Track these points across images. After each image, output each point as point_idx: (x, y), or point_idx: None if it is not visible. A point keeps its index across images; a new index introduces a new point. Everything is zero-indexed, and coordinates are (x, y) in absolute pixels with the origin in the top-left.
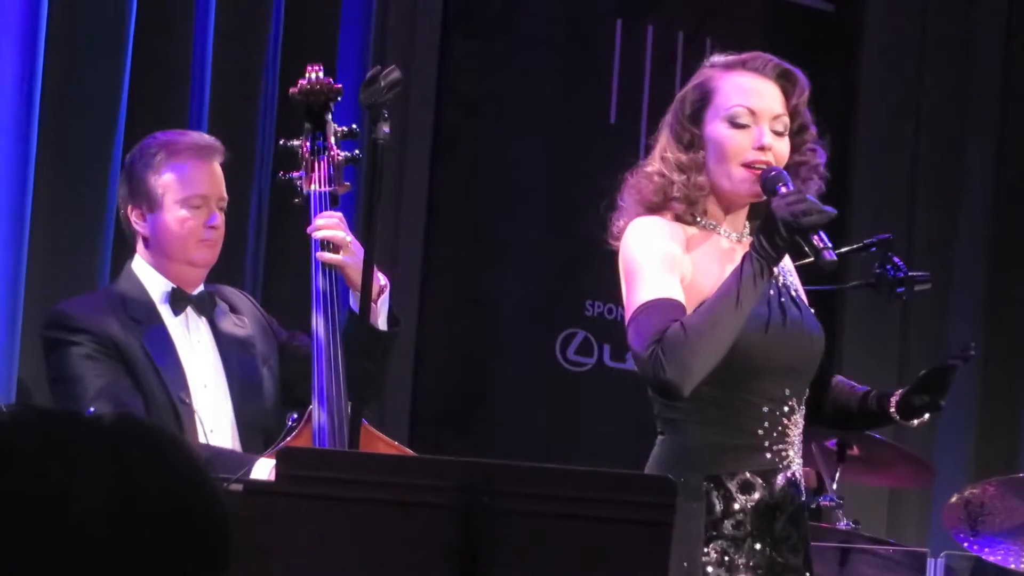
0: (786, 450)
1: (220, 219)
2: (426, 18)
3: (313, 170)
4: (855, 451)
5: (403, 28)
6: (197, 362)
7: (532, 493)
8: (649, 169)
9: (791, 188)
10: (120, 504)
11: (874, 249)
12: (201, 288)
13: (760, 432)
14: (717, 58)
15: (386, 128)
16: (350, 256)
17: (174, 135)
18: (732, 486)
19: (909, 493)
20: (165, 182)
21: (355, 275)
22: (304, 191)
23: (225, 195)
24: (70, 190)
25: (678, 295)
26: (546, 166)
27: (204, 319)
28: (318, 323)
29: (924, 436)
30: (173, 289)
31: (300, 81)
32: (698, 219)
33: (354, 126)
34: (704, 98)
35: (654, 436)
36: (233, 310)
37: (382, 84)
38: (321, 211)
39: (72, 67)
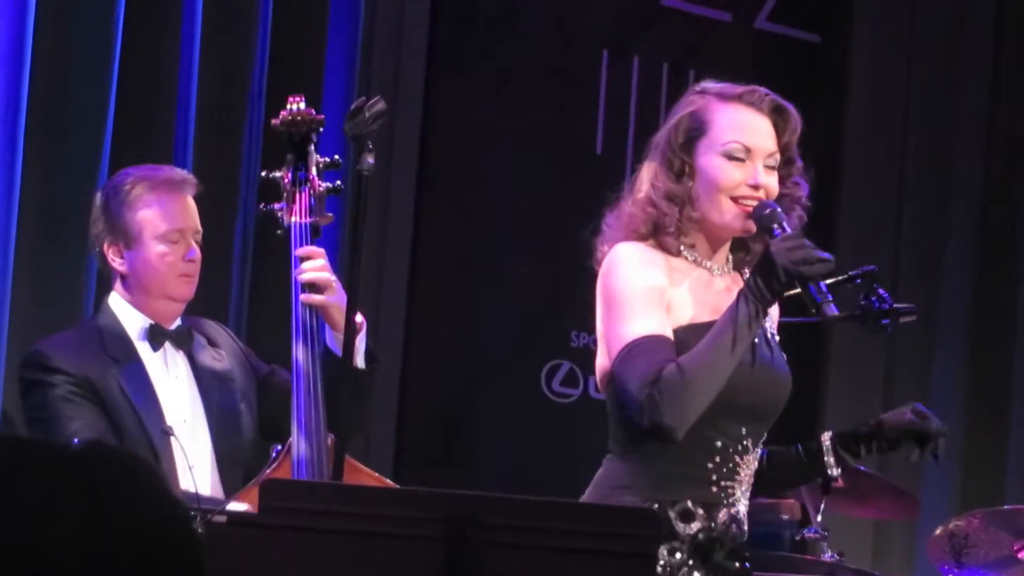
0: (733, 487)
1: (197, 252)
2: (412, 49)
3: (295, 201)
4: (840, 483)
5: (388, 59)
6: (175, 397)
7: (517, 525)
8: (639, 196)
9: (787, 229)
10: (90, 531)
11: (859, 281)
12: (179, 322)
13: (710, 466)
14: (710, 85)
15: (371, 159)
16: (334, 296)
17: (147, 170)
18: (672, 512)
19: (894, 525)
20: (142, 218)
21: (337, 314)
22: (286, 222)
23: (200, 227)
24: (54, 221)
25: (667, 331)
26: (532, 197)
27: (182, 353)
28: (298, 354)
29: (909, 468)
30: (151, 325)
31: (282, 112)
32: (683, 250)
33: (336, 157)
34: (698, 128)
35: None
36: (212, 344)
37: (367, 115)
38: (303, 242)
39: (57, 96)
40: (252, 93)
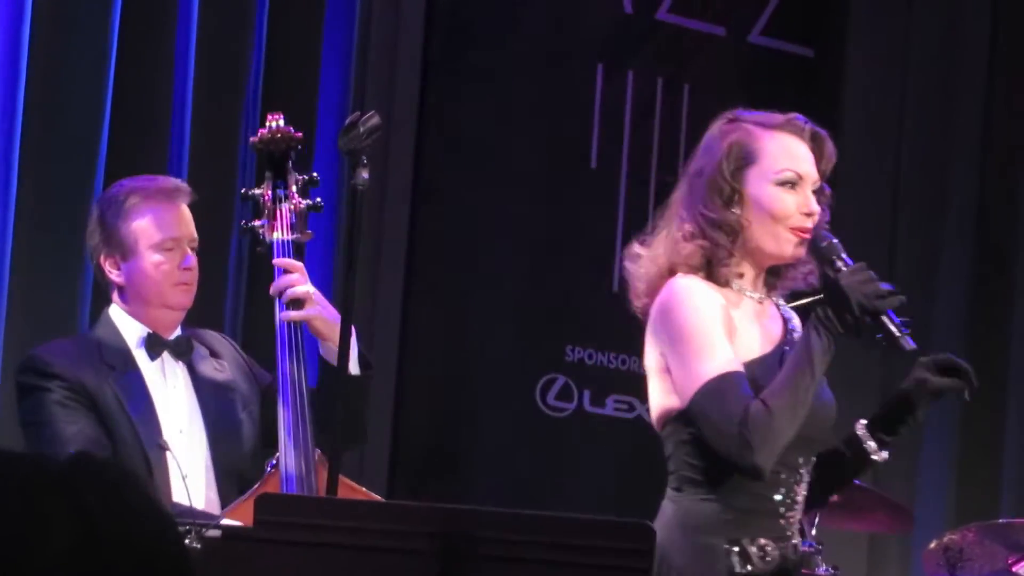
0: (794, 516)
1: (194, 260)
2: (406, 63)
3: (275, 218)
4: (834, 497)
5: (383, 74)
6: (172, 407)
7: (510, 539)
8: (687, 228)
9: (849, 260)
10: (78, 545)
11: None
12: (178, 332)
13: (777, 499)
14: (744, 113)
15: (365, 174)
16: (314, 309)
17: (140, 181)
18: (752, 550)
19: (889, 539)
20: (137, 228)
21: (322, 326)
22: (267, 239)
23: (196, 235)
24: (49, 231)
25: (739, 365)
26: (526, 211)
27: (182, 364)
28: (284, 367)
29: (904, 482)
30: (149, 334)
31: (260, 130)
32: (731, 281)
33: (315, 174)
34: (748, 157)
35: (632, 482)
36: (213, 354)
37: (361, 130)
38: (283, 259)
39: (52, 107)
40: (247, 106)
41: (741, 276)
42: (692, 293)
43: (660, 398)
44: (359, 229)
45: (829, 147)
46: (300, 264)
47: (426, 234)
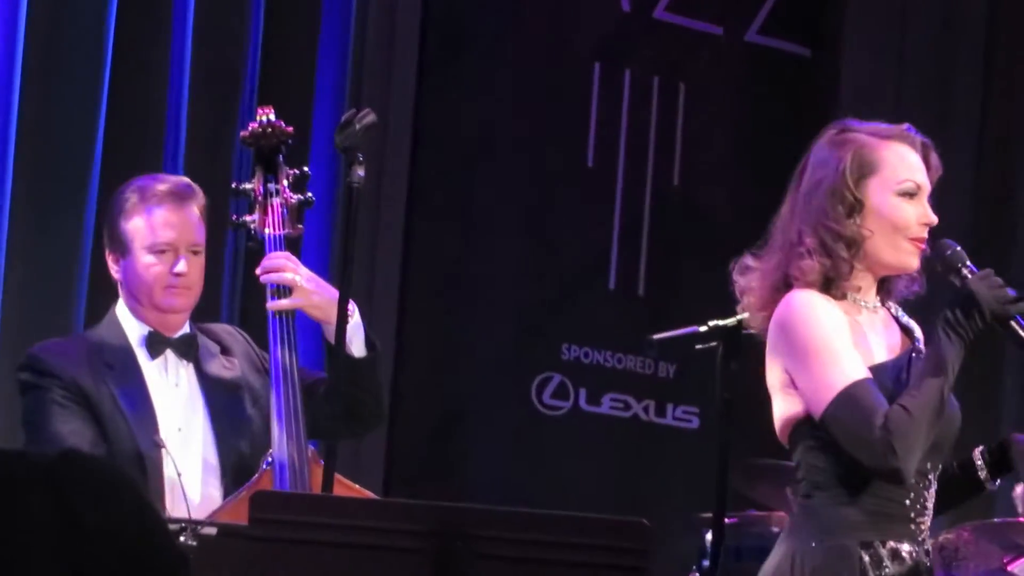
0: (924, 521)
1: (188, 265)
2: (402, 61)
3: (266, 213)
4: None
5: (379, 72)
6: (171, 406)
7: (506, 538)
8: (809, 242)
9: (974, 267)
10: (63, 542)
11: None
12: (185, 331)
13: (907, 503)
14: (856, 124)
15: (361, 171)
16: (303, 296)
17: (149, 180)
18: (883, 551)
19: None
20: (134, 228)
21: (315, 311)
22: (259, 234)
23: (198, 240)
24: (44, 231)
25: (869, 373)
26: (523, 209)
27: (186, 362)
28: (278, 357)
29: None
30: (150, 332)
31: (251, 124)
32: (848, 294)
33: (306, 168)
34: (869, 167)
35: (628, 481)
36: (224, 351)
37: (357, 127)
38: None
39: (47, 109)
40: (243, 102)
41: (859, 289)
42: (812, 306)
43: (786, 411)
44: (355, 227)
45: (935, 158)
46: (285, 253)
47: (422, 232)
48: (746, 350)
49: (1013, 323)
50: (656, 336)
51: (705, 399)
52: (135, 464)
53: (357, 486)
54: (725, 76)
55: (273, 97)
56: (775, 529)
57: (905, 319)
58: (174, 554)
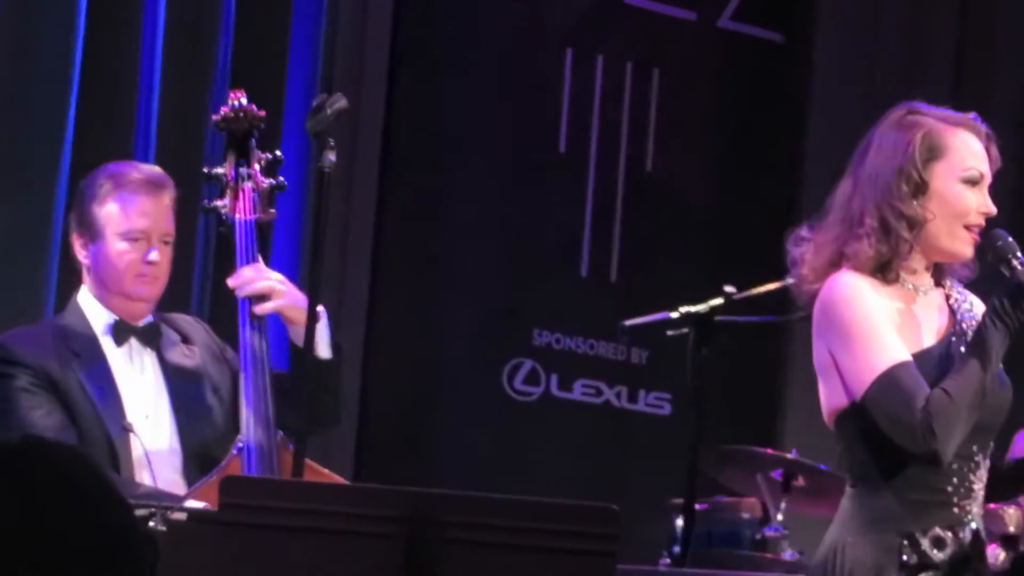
0: (970, 505)
1: (160, 254)
2: (375, 46)
3: (238, 198)
4: (800, 482)
5: (351, 57)
6: (138, 393)
7: (477, 523)
8: (870, 223)
9: (1023, 258)
10: (24, 527)
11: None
12: (149, 319)
13: (949, 489)
14: (924, 107)
15: (332, 156)
16: (281, 299)
17: (124, 167)
18: (925, 541)
19: None
20: (107, 213)
21: (291, 313)
22: (229, 219)
23: (170, 230)
24: (15, 220)
25: (910, 356)
26: (495, 195)
27: (150, 350)
28: (246, 340)
29: None
30: (116, 321)
31: (223, 108)
32: (901, 276)
33: (278, 153)
34: (937, 151)
35: (599, 466)
36: (185, 340)
37: (329, 112)
38: (247, 239)
39: (18, 93)
40: (215, 87)
41: (914, 272)
42: (855, 288)
43: (831, 396)
44: (326, 212)
45: (995, 149)
46: (256, 264)
47: (394, 218)
48: (717, 336)
49: None
50: (628, 322)
51: (677, 385)
52: (106, 450)
53: (327, 471)
54: (698, 62)
55: (245, 81)
56: (745, 515)
57: (960, 298)
58: (137, 538)
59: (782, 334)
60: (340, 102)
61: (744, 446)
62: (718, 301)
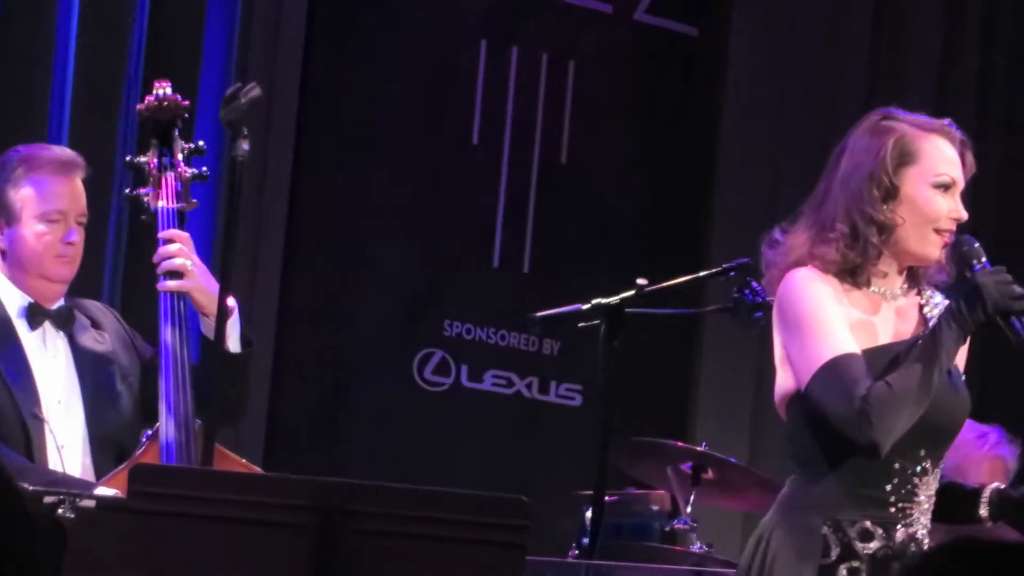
0: (912, 508)
1: (78, 235)
2: (289, 35)
3: (160, 187)
4: (710, 475)
5: (265, 46)
6: (51, 377)
7: (387, 513)
8: (840, 228)
9: (987, 263)
10: None
11: (733, 274)
12: (61, 303)
13: (888, 487)
14: (899, 112)
15: (246, 145)
16: (193, 280)
17: (36, 149)
18: (851, 531)
19: (762, 517)
20: (24, 196)
21: (201, 297)
22: (152, 207)
23: (85, 211)
24: None
25: (858, 350)
26: (408, 186)
27: (62, 334)
28: (167, 337)
29: (778, 461)
30: (30, 304)
31: (147, 97)
32: (871, 281)
33: (201, 143)
34: (909, 156)
35: (509, 457)
36: (95, 325)
37: (242, 101)
38: (169, 228)
39: None
40: (128, 76)
41: (884, 276)
42: (809, 281)
43: (783, 382)
44: (239, 200)
45: (970, 156)
46: (186, 235)
47: (307, 208)
48: (628, 329)
49: (1015, 319)
50: (539, 313)
51: (588, 377)
52: (19, 435)
53: (244, 460)
54: (614, 55)
55: (159, 68)
56: (655, 507)
57: (934, 303)
58: (37, 527)
59: (694, 327)
60: (254, 91)
61: (654, 439)
62: (629, 293)
